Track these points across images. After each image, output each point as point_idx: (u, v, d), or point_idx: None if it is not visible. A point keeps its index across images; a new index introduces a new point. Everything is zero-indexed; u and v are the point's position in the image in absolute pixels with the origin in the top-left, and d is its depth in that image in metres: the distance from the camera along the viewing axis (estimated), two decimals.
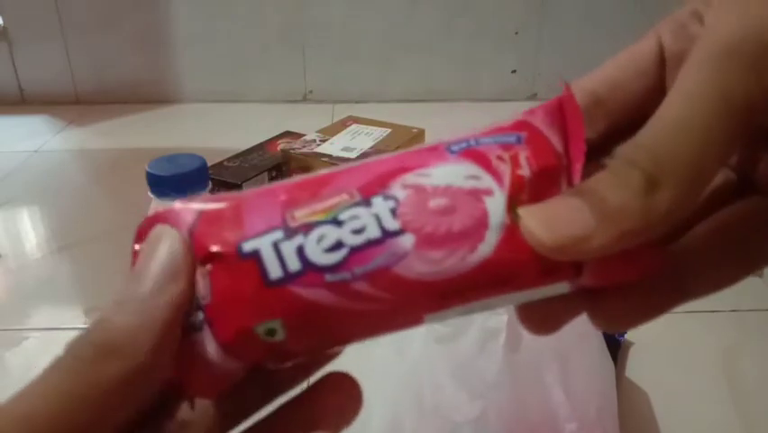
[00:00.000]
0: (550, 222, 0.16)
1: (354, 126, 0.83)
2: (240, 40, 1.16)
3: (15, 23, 1.13)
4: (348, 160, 0.74)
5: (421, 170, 0.17)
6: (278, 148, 0.80)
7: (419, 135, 0.83)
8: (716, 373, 0.54)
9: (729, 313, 0.61)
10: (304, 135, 0.82)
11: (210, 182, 0.56)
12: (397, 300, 0.16)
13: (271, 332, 0.16)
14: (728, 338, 0.57)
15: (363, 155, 0.75)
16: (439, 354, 0.42)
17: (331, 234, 0.16)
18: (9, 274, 0.68)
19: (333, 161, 0.74)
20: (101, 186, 0.89)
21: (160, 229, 0.17)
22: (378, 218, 0.16)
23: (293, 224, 0.16)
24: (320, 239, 0.16)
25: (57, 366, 0.15)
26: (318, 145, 0.77)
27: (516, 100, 1.18)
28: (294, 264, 0.16)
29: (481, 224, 0.16)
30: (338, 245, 0.16)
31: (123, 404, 0.15)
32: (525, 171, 0.17)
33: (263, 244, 0.16)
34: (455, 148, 0.18)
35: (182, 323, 0.16)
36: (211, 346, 0.16)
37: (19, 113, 1.14)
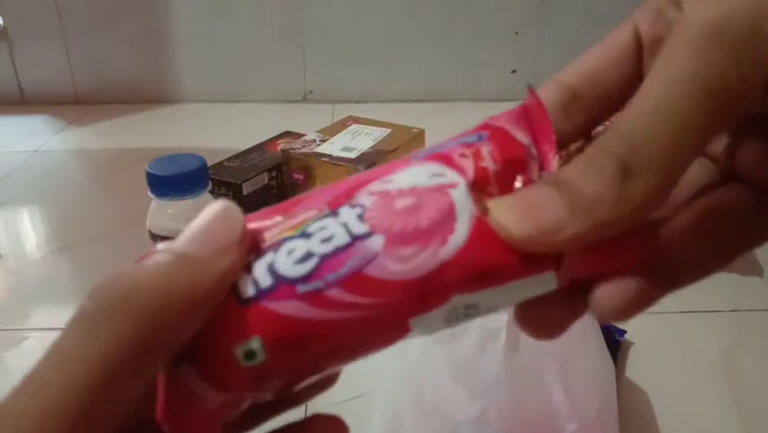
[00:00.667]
0: (520, 213, 0.16)
1: (354, 126, 0.83)
2: (240, 40, 1.16)
3: (15, 23, 1.13)
4: (348, 160, 0.74)
5: (385, 177, 0.17)
6: (278, 148, 0.80)
7: (419, 135, 0.83)
8: (716, 373, 0.54)
9: (729, 313, 0.61)
10: (304, 135, 0.82)
11: (210, 182, 0.56)
12: (375, 305, 0.16)
13: (251, 354, 0.15)
14: (728, 338, 0.57)
15: (363, 155, 0.75)
16: (439, 354, 0.42)
17: (300, 246, 0.16)
18: (9, 274, 0.68)
19: (333, 161, 0.74)
20: (101, 186, 0.89)
21: (221, 202, 0.17)
22: (345, 225, 0.16)
23: (264, 244, 0.16)
24: (289, 252, 0.16)
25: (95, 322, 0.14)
26: (318, 145, 0.77)
27: (516, 100, 1.17)
28: (265, 281, 0.16)
29: (450, 216, 0.16)
30: (307, 256, 0.16)
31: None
32: (488, 163, 0.17)
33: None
34: (419, 155, 0.18)
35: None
36: (193, 379, 0.16)
37: (19, 113, 1.14)
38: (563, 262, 0.16)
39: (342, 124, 0.84)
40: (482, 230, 0.16)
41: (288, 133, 0.87)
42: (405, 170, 0.17)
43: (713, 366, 0.54)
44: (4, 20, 1.13)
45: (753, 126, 0.17)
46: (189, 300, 0.15)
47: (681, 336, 0.58)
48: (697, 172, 0.19)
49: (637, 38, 0.18)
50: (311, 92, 1.20)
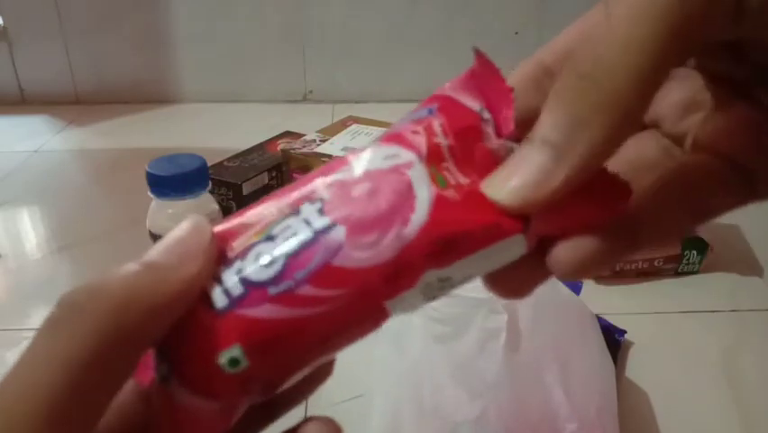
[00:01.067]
0: (506, 183, 0.16)
1: (354, 126, 0.83)
2: (240, 40, 1.15)
3: (15, 23, 1.13)
4: None
5: (341, 167, 0.17)
6: (278, 148, 0.80)
7: None
8: (716, 373, 0.53)
9: (729, 313, 0.61)
10: (304, 135, 0.82)
11: (210, 182, 0.56)
12: (347, 294, 0.16)
13: (234, 362, 0.16)
14: (728, 338, 0.57)
15: None
16: (439, 353, 0.42)
17: (266, 249, 0.16)
18: (9, 274, 0.68)
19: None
20: (101, 186, 0.89)
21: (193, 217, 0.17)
22: (307, 221, 0.16)
23: (232, 254, 0.17)
24: (256, 257, 0.16)
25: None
26: (318, 145, 0.77)
27: None
28: (236, 288, 0.16)
29: (408, 195, 0.16)
30: (274, 258, 0.16)
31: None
32: (440, 138, 0.17)
33: (209, 281, 0.16)
34: (375, 140, 0.18)
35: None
36: (185, 395, 0.16)
37: (19, 113, 1.13)
38: (530, 223, 0.16)
39: (342, 124, 0.84)
40: (443, 204, 0.16)
41: (287, 133, 0.87)
42: (359, 157, 0.17)
43: (713, 366, 0.54)
44: (4, 20, 1.13)
45: (724, 93, 0.17)
46: (152, 302, 0.15)
47: (680, 336, 0.58)
48: (659, 155, 0.19)
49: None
50: (311, 92, 1.20)
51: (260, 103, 1.18)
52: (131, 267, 0.15)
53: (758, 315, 0.60)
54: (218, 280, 0.16)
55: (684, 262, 0.64)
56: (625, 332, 0.54)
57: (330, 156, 0.74)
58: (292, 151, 0.76)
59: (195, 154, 0.56)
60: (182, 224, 0.17)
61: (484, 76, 0.18)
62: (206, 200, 0.56)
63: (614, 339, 0.53)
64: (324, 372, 0.19)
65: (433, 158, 0.17)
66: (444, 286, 0.17)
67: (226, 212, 0.61)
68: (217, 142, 0.93)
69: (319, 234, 0.16)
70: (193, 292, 0.16)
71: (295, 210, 0.17)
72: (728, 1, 0.14)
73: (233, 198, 0.73)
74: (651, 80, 0.14)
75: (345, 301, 0.16)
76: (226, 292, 0.16)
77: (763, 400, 0.51)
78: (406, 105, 1.09)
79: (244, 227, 0.17)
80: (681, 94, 0.19)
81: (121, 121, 1.11)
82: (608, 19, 0.14)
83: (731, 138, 0.17)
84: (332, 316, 0.16)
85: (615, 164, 0.17)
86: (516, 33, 1.15)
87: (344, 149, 0.76)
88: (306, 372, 0.17)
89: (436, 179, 0.16)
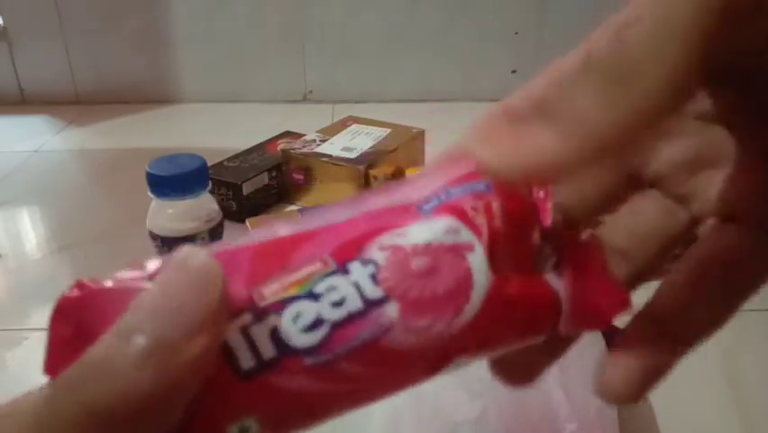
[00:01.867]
0: (502, 147, 0.14)
1: (354, 126, 0.83)
2: (240, 40, 1.16)
3: (15, 23, 1.13)
4: (348, 159, 0.74)
5: (397, 230, 0.16)
6: (278, 148, 0.80)
7: (419, 135, 0.83)
8: (716, 373, 0.53)
9: None
10: (304, 135, 0.82)
11: (210, 182, 0.56)
12: (385, 375, 0.15)
13: (245, 430, 0.14)
14: (728, 338, 0.57)
15: (363, 155, 0.75)
16: None
17: (308, 310, 0.14)
18: (9, 274, 0.68)
19: (333, 161, 0.74)
20: (101, 186, 0.89)
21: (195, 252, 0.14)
22: (358, 287, 0.15)
23: (262, 303, 0.14)
24: (296, 318, 0.14)
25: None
26: (318, 145, 0.77)
27: None
28: (268, 351, 0.14)
29: (466, 284, 0.15)
30: (317, 323, 0.14)
31: None
32: (498, 222, 0.16)
33: (230, 331, 0.14)
34: (427, 207, 0.16)
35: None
36: None
37: (19, 113, 1.13)
38: (559, 325, 0.16)
39: (342, 124, 0.84)
40: (494, 297, 0.15)
41: (287, 133, 0.87)
42: (417, 224, 0.16)
43: (713, 366, 0.54)
44: (4, 20, 1.13)
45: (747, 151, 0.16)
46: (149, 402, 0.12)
47: None
48: (663, 220, 0.18)
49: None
50: (311, 92, 1.20)
51: (260, 103, 1.18)
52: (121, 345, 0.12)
53: (758, 315, 0.60)
54: (245, 333, 0.14)
55: None
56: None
57: (330, 156, 0.74)
58: (292, 151, 0.76)
59: (195, 154, 0.56)
60: (180, 263, 0.13)
61: None
62: (206, 200, 0.56)
63: (614, 339, 0.53)
64: None
65: (492, 242, 0.16)
66: (457, 368, 0.16)
67: (226, 212, 0.61)
68: (217, 142, 0.93)
69: (370, 306, 0.14)
70: (200, 375, 0.13)
71: (342, 267, 0.15)
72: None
73: (233, 198, 0.73)
74: (684, 66, 0.12)
75: (380, 381, 0.15)
76: (255, 353, 0.14)
77: (763, 400, 0.51)
78: (406, 105, 1.09)
79: (275, 264, 0.15)
80: (684, 151, 0.18)
81: (121, 121, 1.11)
82: (631, 24, 0.13)
83: (758, 200, 0.16)
84: (362, 393, 0.15)
85: (614, 234, 0.17)
86: (516, 33, 1.15)
87: (344, 149, 0.76)
88: None
89: (493, 266, 0.16)
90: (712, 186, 0.17)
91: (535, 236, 0.17)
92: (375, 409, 0.42)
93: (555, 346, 0.17)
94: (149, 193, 0.53)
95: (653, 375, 0.16)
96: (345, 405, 0.15)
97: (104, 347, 0.12)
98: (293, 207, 0.77)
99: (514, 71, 1.17)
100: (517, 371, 0.17)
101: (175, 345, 0.12)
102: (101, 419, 0.12)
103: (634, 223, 0.18)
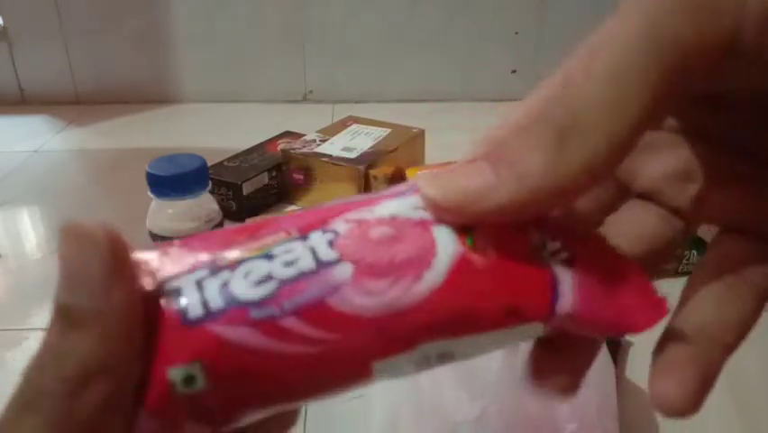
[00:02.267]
0: (447, 180, 0.15)
1: (354, 126, 0.83)
2: (240, 40, 1.16)
3: (15, 23, 1.13)
4: (348, 159, 0.74)
5: (366, 207, 0.16)
6: (278, 148, 0.80)
7: (419, 135, 0.83)
8: None
9: None
10: (304, 135, 0.82)
11: (210, 182, 0.56)
12: (335, 340, 0.14)
13: (190, 380, 0.14)
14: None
15: (363, 155, 0.75)
16: None
17: (260, 267, 0.14)
18: (9, 274, 0.68)
19: (333, 161, 0.74)
20: (101, 186, 0.89)
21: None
22: (313, 250, 0.15)
23: (221, 263, 0.15)
24: (247, 273, 0.14)
25: (27, 408, 0.13)
26: (318, 145, 0.77)
27: (516, 100, 1.18)
28: (216, 301, 0.14)
29: (429, 252, 0.15)
30: (266, 278, 0.14)
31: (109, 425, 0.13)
32: None
33: (185, 283, 0.14)
34: (405, 188, 0.16)
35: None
36: (139, 414, 0.14)
37: (19, 113, 1.13)
38: (554, 312, 0.15)
39: (342, 124, 0.84)
40: (465, 267, 0.15)
41: (287, 133, 0.87)
42: (387, 202, 0.16)
43: None
44: (4, 20, 1.13)
45: (734, 167, 0.16)
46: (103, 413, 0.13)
47: None
48: (659, 227, 0.19)
49: None
50: (311, 92, 1.20)
51: (260, 103, 1.18)
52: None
53: None
54: (199, 285, 0.14)
55: (684, 261, 0.64)
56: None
57: (330, 156, 0.74)
58: (292, 151, 0.76)
59: (195, 154, 0.56)
60: (64, 245, 0.15)
61: None
62: (206, 200, 0.56)
63: (614, 339, 0.53)
64: (286, 421, 0.17)
65: (469, 226, 0.15)
66: (444, 361, 0.15)
67: (226, 212, 0.61)
68: (217, 142, 0.93)
69: (322, 266, 0.14)
70: (137, 316, 0.14)
71: (303, 235, 0.15)
72: (713, 54, 0.13)
73: (233, 198, 0.73)
74: (636, 121, 0.13)
75: (330, 348, 0.14)
76: (204, 303, 0.14)
77: (763, 401, 0.51)
78: (407, 105, 1.09)
79: (242, 235, 0.15)
80: (675, 163, 0.18)
81: (121, 121, 1.11)
82: (586, 78, 0.13)
83: (753, 208, 0.16)
84: (311, 359, 0.14)
85: (611, 237, 0.17)
86: (516, 33, 1.15)
87: (344, 149, 0.76)
88: (265, 414, 0.15)
89: (466, 238, 0.15)
90: (702, 198, 0.17)
91: (531, 228, 0.16)
92: (375, 408, 0.42)
93: (582, 349, 0.17)
94: (149, 193, 0.53)
95: (707, 381, 0.16)
96: (292, 373, 0.14)
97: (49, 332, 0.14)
98: (293, 207, 0.77)
99: (514, 71, 1.17)
100: (556, 380, 0.17)
101: (83, 306, 0.14)
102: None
103: (631, 228, 0.19)
